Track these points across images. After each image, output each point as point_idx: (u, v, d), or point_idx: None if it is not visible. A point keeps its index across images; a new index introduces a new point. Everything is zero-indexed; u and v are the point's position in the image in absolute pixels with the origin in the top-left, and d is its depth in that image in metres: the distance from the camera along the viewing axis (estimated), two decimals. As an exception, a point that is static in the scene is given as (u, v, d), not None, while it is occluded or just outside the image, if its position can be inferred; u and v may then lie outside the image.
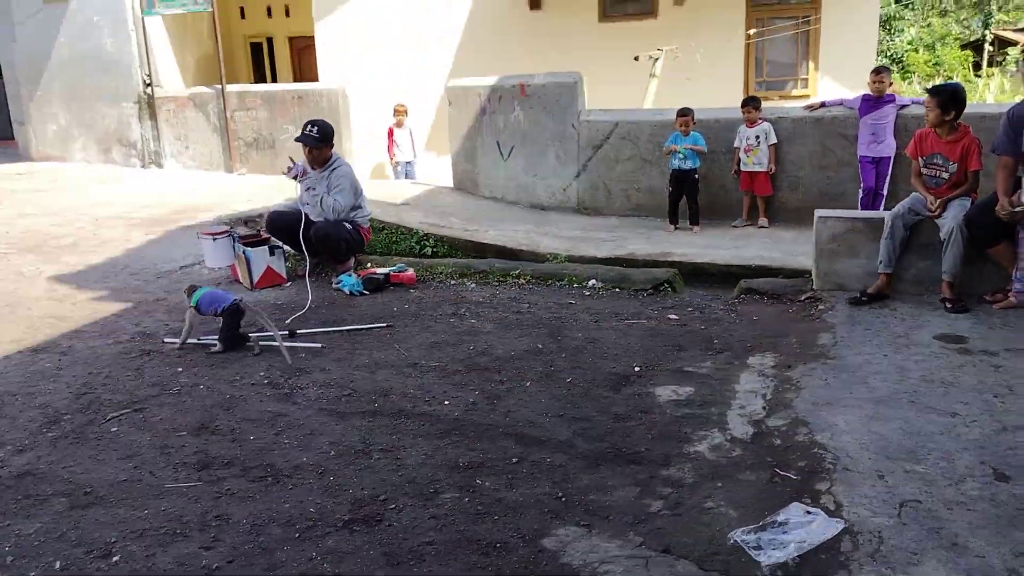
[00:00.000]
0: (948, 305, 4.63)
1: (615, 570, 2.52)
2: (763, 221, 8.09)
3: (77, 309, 5.48)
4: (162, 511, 2.98)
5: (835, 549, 2.56)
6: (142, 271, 6.40)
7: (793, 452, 3.20)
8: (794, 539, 2.60)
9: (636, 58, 10.65)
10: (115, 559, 2.69)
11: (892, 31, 28.65)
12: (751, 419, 3.52)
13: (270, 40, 16.14)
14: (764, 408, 3.62)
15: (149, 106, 11.97)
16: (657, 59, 10.59)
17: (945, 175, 4.91)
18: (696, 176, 8.08)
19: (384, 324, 4.96)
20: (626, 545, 2.65)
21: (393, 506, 2.95)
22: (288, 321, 5.05)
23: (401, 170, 11.50)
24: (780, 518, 2.72)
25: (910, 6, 30.28)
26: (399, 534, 2.77)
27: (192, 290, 4.77)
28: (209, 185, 10.57)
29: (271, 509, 2.96)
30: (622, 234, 7.85)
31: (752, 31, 11.29)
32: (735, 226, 8.11)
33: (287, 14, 15.73)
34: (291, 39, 15.95)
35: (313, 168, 6.02)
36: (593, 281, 5.65)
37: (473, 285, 5.80)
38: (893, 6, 28.28)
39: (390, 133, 11.39)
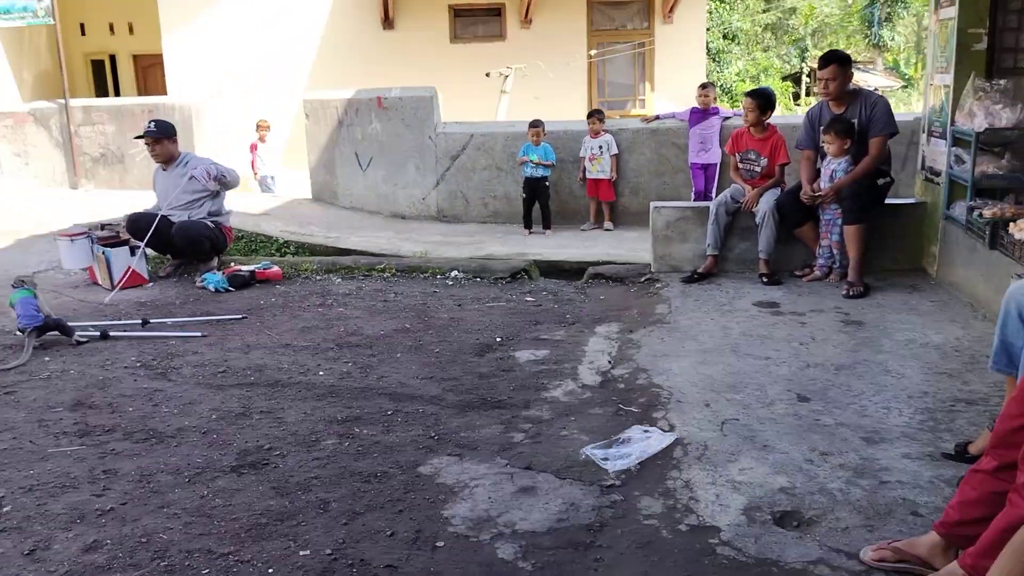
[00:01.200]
0: (764, 279, 5.29)
1: (485, 483, 2.87)
2: (608, 224, 8.75)
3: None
4: (48, 470, 3.07)
5: (669, 456, 3.01)
6: (-9, 276, 6.23)
7: (634, 392, 3.66)
8: (635, 451, 3.03)
9: (487, 74, 11.20)
10: (5, 509, 2.78)
11: (721, 63, 30.92)
12: (599, 370, 3.97)
13: (113, 58, 15.68)
14: (610, 362, 4.08)
15: (-16, 122, 11.41)
16: (507, 76, 11.18)
17: (758, 168, 5.61)
18: (547, 183, 8.65)
19: (240, 316, 5.08)
20: (493, 467, 3.00)
21: (278, 452, 3.18)
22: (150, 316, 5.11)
23: (263, 184, 11.54)
24: (623, 436, 3.15)
25: (736, 40, 32.79)
26: (285, 473, 3.01)
27: (18, 285, 4.69)
28: (49, 202, 10.21)
29: (158, 462, 3.12)
30: (480, 238, 8.29)
31: (593, 51, 12.10)
32: (583, 229, 8.72)
33: (131, 31, 15.36)
34: (136, 57, 15.57)
35: (164, 168, 6.12)
36: (455, 272, 6.01)
37: (339, 280, 6.03)
38: (721, 41, 30.56)
39: (252, 148, 11.42)
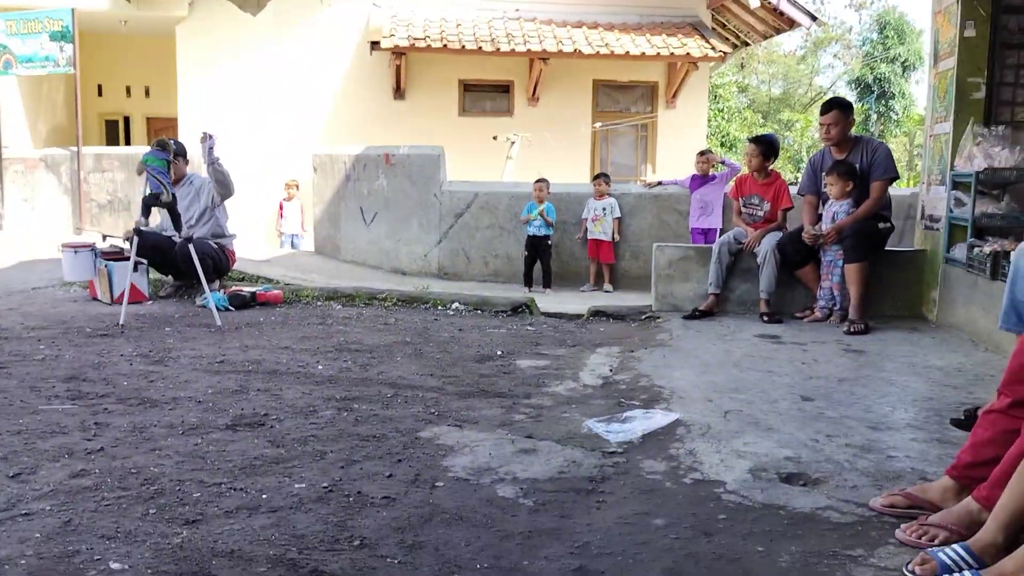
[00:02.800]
0: (765, 318, 5.30)
1: (486, 444, 2.81)
2: (608, 286, 8.79)
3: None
4: (38, 420, 3.01)
5: (672, 432, 2.96)
6: (-9, 289, 6.22)
7: (636, 391, 3.62)
8: (638, 426, 2.98)
9: (495, 137, 11.47)
10: (-8, 445, 2.72)
11: (728, 119, 31.64)
12: (600, 375, 3.94)
13: (127, 119, 16.05)
14: (611, 370, 4.05)
15: (-9, 166, 11.58)
16: (514, 143, 11.44)
17: (760, 213, 5.70)
18: (549, 243, 8.75)
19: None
20: (494, 434, 2.94)
21: (275, 417, 3.12)
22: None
23: (287, 241, 11.69)
24: (625, 415, 3.11)
25: (733, 150, 33.72)
26: (282, 432, 2.95)
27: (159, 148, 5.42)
28: (52, 237, 10.25)
29: (151, 420, 3.05)
30: (482, 295, 8.32)
31: (598, 124, 12.45)
32: (583, 290, 8.75)
33: (147, 94, 15.76)
34: (149, 119, 15.93)
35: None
36: (456, 304, 6.02)
37: (339, 306, 6.03)
38: (720, 149, 31.47)
39: (280, 206, 11.64)
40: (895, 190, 7.06)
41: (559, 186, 9.09)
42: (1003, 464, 2.00)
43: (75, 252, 5.94)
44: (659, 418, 3.05)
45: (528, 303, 6.05)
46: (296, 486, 2.40)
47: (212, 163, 5.99)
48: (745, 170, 5.98)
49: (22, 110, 12.19)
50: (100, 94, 15.77)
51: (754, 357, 4.30)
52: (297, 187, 11.70)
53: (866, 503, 2.28)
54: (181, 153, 6.15)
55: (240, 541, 2.04)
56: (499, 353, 4.46)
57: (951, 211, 4.98)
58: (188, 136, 12.97)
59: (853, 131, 5.42)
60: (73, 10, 10.90)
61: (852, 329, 4.89)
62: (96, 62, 14.41)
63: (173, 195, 5.42)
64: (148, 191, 5.34)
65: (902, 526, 2.09)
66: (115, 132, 15.95)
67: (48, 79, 12.70)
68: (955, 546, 1.89)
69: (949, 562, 1.85)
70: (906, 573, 1.88)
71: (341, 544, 2.04)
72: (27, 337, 4.57)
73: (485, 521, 2.19)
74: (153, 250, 5.98)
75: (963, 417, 2.79)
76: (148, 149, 5.48)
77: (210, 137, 5.98)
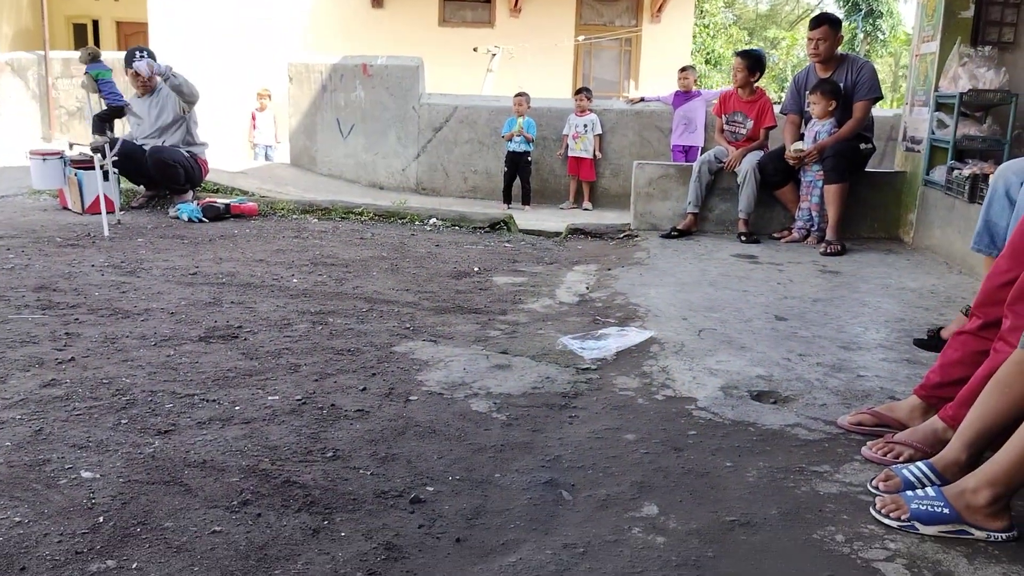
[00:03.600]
0: (743, 238, 5.30)
1: (460, 358, 2.82)
2: (587, 204, 8.76)
3: None
4: (8, 329, 2.97)
5: (645, 350, 2.97)
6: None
7: (612, 309, 3.62)
8: (612, 344, 2.99)
9: (475, 49, 11.23)
10: (-40, 354, 2.68)
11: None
12: (576, 292, 3.94)
13: (96, 23, 15.49)
14: (587, 288, 4.05)
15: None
16: (495, 55, 11.20)
17: (743, 131, 5.64)
18: (529, 159, 8.65)
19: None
20: (469, 350, 2.94)
21: (248, 330, 3.10)
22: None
23: (260, 152, 11.45)
24: (600, 332, 3.12)
25: (717, 67, 33.16)
26: (255, 345, 2.93)
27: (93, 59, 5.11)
28: (20, 146, 9.99)
29: (123, 331, 3.02)
30: (459, 210, 8.24)
31: (581, 37, 12.19)
32: (562, 208, 8.71)
33: (117, -3, 15.20)
34: (120, 23, 15.39)
35: (140, 95, 6.02)
36: (434, 220, 5.96)
37: (315, 220, 5.95)
38: (704, 66, 30.91)
39: (252, 117, 11.35)
40: (878, 111, 7.01)
41: (540, 101, 8.95)
42: (970, 384, 2.02)
43: (43, 160, 5.77)
44: (633, 335, 3.06)
45: (506, 220, 6.01)
46: (269, 398, 2.40)
47: (163, 75, 5.81)
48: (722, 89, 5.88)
49: (-16, 12, 11.72)
50: (66, -5, 15.17)
51: (730, 276, 4.31)
52: (269, 97, 11.42)
53: (834, 421, 2.31)
54: (151, 58, 5.95)
55: (212, 452, 2.04)
56: (476, 270, 4.44)
57: (933, 133, 4.95)
58: (158, 43, 12.58)
59: (839, 50, 5.32)
60: (34, -97, 10.38)
61: (829, 250, 4.91)
62: (61, -39, 13.82)
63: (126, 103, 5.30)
64: (103, 105, 5.16)
65: (868, 443, 2.13)
66: (83, 36, 15.41)
67: (10, -22, 12.19)
68: (919, 463, 1.93)
69: (912, 479, 1.89)
70: (870, 488, 1.92)
71: (314, 456, 2.05)
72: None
73: (458, 435, 2.20)
74: (124, 159, 5.84)
75: (926, 337, 2.83)
76: (89, 63, 5.15)
77: (141, 56, 5.81)
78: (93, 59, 5.12)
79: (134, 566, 1.56)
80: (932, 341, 2.80)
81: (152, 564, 1.56)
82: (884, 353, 2.99)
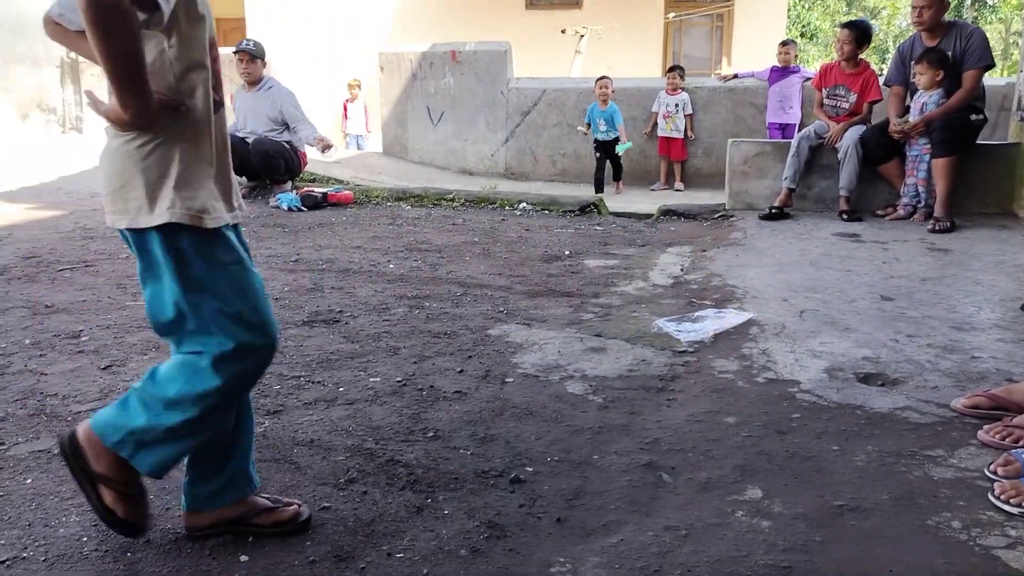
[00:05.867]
0: (845, 216, 5.12)
1: (555, 342, 2.82)
2: (679, 185, 8.60)
3: (13, 215, 5.49)
4: (126, 315, 3.13)
5: (745, 332, 2.92)
6: (75, 191, 6.42)
7: (708, 291, 3.56)
8: (710, 326, 2.95)
9: (563, 31, 11.16)
10: (83, 339, 2.84)
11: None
12: (670, 275, 3.89)
13: (197, 21, 16.07)
14: (682, 269, 3.99)
15: (72, 70, 11.78)
16: (583, 36, 11.11)
17: (845, 105, 5.44)
18: (618, 140, 8.55)
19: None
20: (563, 333, 2.95)
21: (349, 314, 3.18)
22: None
23: (351, 142, 11.71)
24: (696, 314, 3.07)
25: (815, 40, 32.13)
26: (356, 329, 3.00)
27: None
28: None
29: (231, 317, 3.14)
30: (550, 194, 8.24)
31: (671, 14, 11.97)
32: (653, 189, 8.59)
33: (215, -4, 15.72)
34: (218, 20, 15.91)
35: (247, 89, 6.21)
36: (524, 204, 5.98)
37: (408, 207, 6.05)
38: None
39: (344, 107, 11.62)
40: (989, 79, 6.63)
41: (628, 81, 8.84)
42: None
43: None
44: (731, 317, 3.00)
45: (596, 203, 5.97)
46: (371, 380, 2.46)
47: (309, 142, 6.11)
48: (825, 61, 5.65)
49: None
50: (168, -5, 15.77)
51: (832, 256, 4.17)
52: (360, 87, 11.62)
53: (947, 404, 2.22)
54: (260, 55, 6.14)
55: (319, 431, 2.11)
56: (567, 253, 4.43)
57: (1052, 101, 4.66)
58: (257, 35, 12.95)
59: (946, 16, 5.06)
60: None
61: (937, 227, 4.70)
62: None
63: None
64: None
65: (985, 427, 2.04)
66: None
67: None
68: (1041, 448, 1.83)
69: (1034, 464, 1.80)
70: (988, 473, 1.83)
71: (415, 436, 2.09)
72: (112, 236, 4.71)
73: (555, 416, 2.21)
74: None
75: None
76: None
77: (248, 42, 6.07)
78: None
79: (249, 539, 1.63)
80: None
81: (266, 538, 1.63)
82: (1000, 333, 2.85)
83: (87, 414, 2.20)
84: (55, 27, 1.55)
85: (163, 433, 1.51)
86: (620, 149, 8.17)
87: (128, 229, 1.48)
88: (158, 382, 1.53)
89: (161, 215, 1.44)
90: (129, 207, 1.45)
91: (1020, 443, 1.95)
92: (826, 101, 5.53)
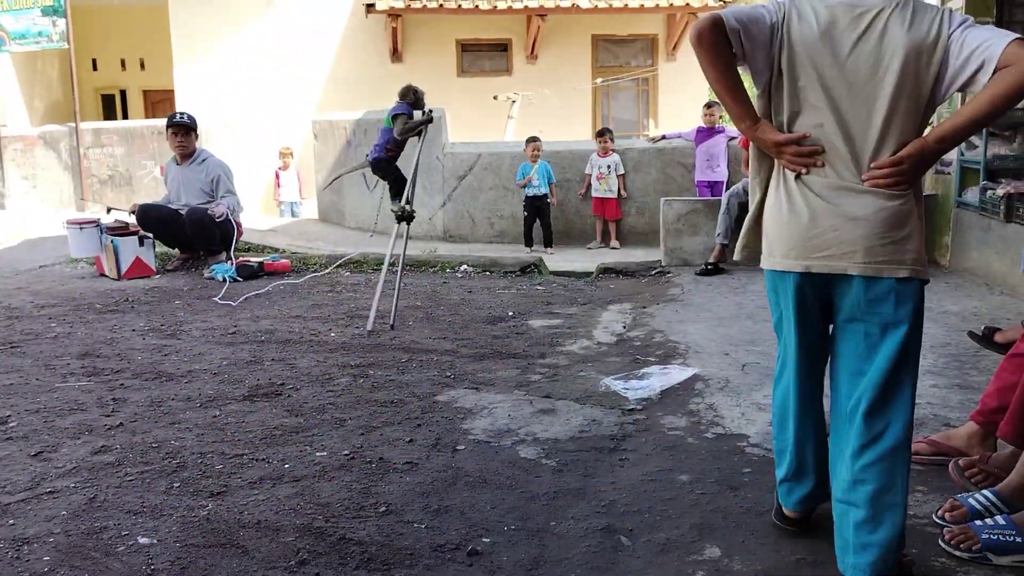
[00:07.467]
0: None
1: (503, 405, 2.81)
2: (615, 243, 8.74)
3: (-70, 292, 5.27)
4: (56, 398, 3.01)
5: (690, 388, 2.95)
6: (-2, 269, 6.20)
7: (651, 347, 3.60)
8: (656, 383, 2.97)
9: (495, 97, 11.36)
10: (12, 424, 2.72)
11: (724, 112, 31.42)
12: (613, 332, 3.92)
13: (123, 93, 15.89)
14: (624, 327, 4.03)
15: (-8, 145, 11.50)
16: (515, 102, 11.33)
17: (769, 163, 5.64)
18: (548, 201, 8.68)
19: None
20: (512, 395, 2.93)
21: (291, 387, 3.12)
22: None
23: (286, 210, 11.63)
24: (642, 371, 3.10)
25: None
26: (299, 401, 2.94)
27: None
28: (55, 216, 10.23)
29: (168, 394, 3.05)
30: (488, 255, 8.28)
31: (598, 80, 12.31)
32: (590, 248, 8.71)
33: (142, 67, 15.58)
34: (146, 92, 15.78)
35: (179, 162, 6.14)
36: (465, 266, 5.99)
37: (348, 273, 6.00)
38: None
39: (276, 175, 11.57)
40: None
41: (560, 144, 9.02)
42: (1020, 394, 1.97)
43: (80, 228, 5.89)
44: (676, 373, 3.04)
45: (537, 263, 6.02)
46: (318, 454, 2.40)
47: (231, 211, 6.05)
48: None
49: (18, 88, 12.09)
50: (95, 68, 15.59)
51: (767, 309, 4.25)
52: (292, 155, 11.62)
53: (891, 451, 2.26)
54: (193, 127, 6.09)
55: (266, 511, 2.04)
56: (511, 314, 4.44)
57: (962, 154, 4.91)
58: (186, 106, 12.87)
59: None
60: (63, -17, 10.75)
61: (865, 277, 4.86)
62: (89, 36, 14.24)
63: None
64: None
65: (962, 463, 2.04)
66: (112, 106, 15.81)
67: (42, 55, 12.59)
68: (984, 491, 1.88)
69: (979, 507, 1.84)
70: (936, 520, 1.87)
71: (367, 511, 2.04)
72: (38, 315, 4.56)
73: (509, 483, 2.19)
74: (158, 223, 5.95)
75: (980, 333, 2.78)
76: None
77: (181, 116, 6.05)
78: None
79: (198, 632, 1.55)
80: (986, 339, 2.75)
81: (215, 629, 1.55)
82: (934, 379, 2.94)
83: (17, 505, 2.09)
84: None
85: None
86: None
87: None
88: None
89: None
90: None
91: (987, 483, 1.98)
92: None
